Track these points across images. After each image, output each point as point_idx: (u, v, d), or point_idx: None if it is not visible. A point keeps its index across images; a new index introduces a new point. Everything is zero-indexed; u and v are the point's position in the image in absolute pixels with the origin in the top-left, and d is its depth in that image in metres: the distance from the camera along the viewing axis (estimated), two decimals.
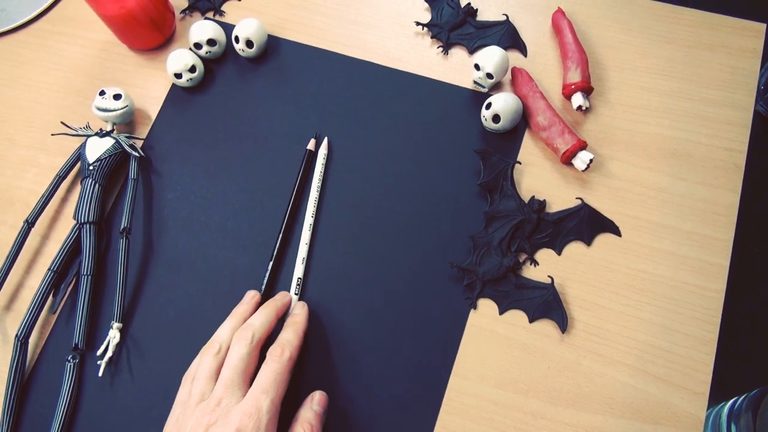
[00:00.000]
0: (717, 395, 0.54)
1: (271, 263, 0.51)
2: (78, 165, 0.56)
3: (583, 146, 0.51)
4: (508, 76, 0.57)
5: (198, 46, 0.57)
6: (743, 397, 0.52)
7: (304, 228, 0.52)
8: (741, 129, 0.54)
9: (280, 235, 0.52)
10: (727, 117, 0.54)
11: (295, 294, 0.50)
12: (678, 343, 0.48)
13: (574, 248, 0.51)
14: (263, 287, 0.51)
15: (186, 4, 0.62)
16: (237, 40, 0.57)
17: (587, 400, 0.47)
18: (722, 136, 0.53)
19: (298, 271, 0.51)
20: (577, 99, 0.53)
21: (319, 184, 0.54)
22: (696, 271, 0.50)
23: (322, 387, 0.48)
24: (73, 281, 0.53)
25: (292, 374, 0.44)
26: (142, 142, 0.57)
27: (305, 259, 0.52)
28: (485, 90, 0.56)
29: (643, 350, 0.48)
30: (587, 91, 0.53)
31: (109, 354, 0.49)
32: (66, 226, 0.55)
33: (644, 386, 0.47)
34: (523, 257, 0.51)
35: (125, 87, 0.59)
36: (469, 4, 0.58)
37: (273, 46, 0.60)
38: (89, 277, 0.51)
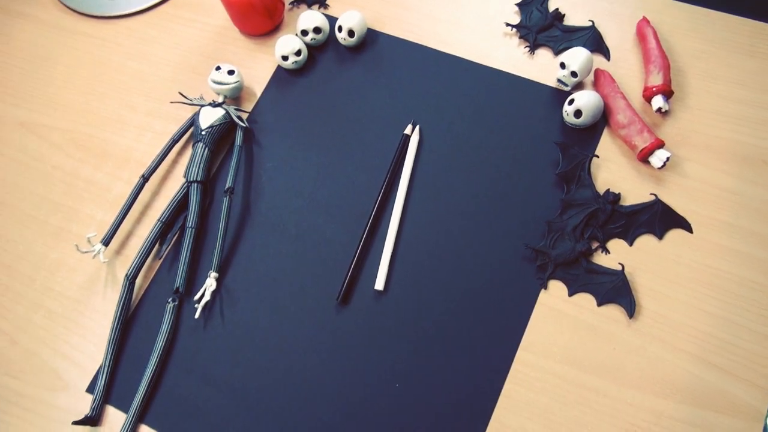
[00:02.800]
0: None
1: (366, 232, 0.56)
2: (190, 131, 0.62)
3: (660, 145, 0.54)
4: (591, 77, 0.60)
5: (305, 33, 0.63)
6: None
7: (395, 205, 0.57)
8: None
9: (375, 206, 0.56)
10: None
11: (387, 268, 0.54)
12: (742, 337, 0.50)
13: (646, 241, 0.54)
14: (355, 257, 0.55)
15: None
16: (340, 29, 0.62)
17: (649, 383, 0.49)
18: None
19: (389, 244, 0.55)
20: (658, 101, 0.56)
21: (411, 167, 0.58)
22: (763, 271, 0.51)
23: (405, 351, 0.52)
24: (178, 233, 0.58)
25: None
26: (247, 114, 0.63)
27: (396, 233, 0.56)
28: (568, 88, 0.59)
29: (706, 341, 0.50)
30: (667, 94, 0.56)
31: (205, 299, 0.54)
32: (175, 184, 0.61)
33: (706, 375, 0.49)
34: (595, 245, 0.54)
35: (228, 63, 0.65)
36: (557, 9, 0.62)
37: (372, 38, 0.65)
38: (193, 230, 0.57)
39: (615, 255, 0.53)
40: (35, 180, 0.63)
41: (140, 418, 0.52)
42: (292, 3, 0.67)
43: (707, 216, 0.54)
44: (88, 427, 0.52)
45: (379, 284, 0.54)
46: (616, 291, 0.52)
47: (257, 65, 0.65)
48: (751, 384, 0.48)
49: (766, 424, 0.55)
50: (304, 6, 0.67)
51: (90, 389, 0.54)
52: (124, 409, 0.53)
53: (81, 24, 0.70)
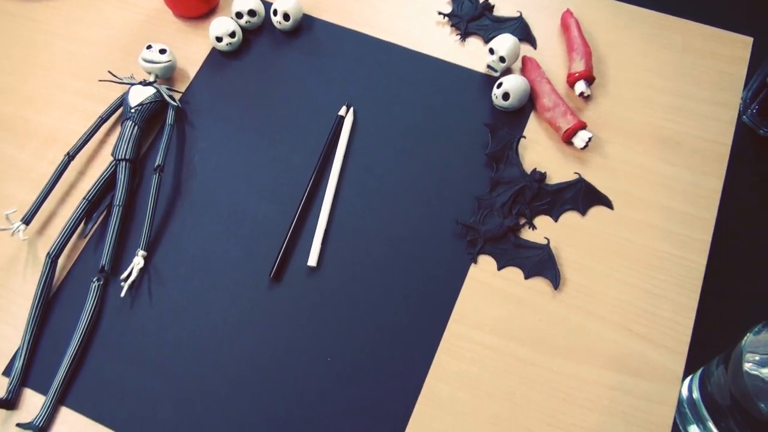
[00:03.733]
0: (697, 361, 0.58)
1: (299, 210, 0.56)
2: (119, 111, 0.61)
3: (582, 126, 0.57)
4: (518, 64, 0.62)
5: (239, 15, 0.63)
6: (717, 357, 0.56)
7: (329, 184, 0.57)
8: (726, 125, 0.59)
9: (309, 185, 0.57)
10: (715, 113, 0.60)
11: (320, 245, 0.54)
12: (660, 306, 0.52)
13: (570, 217, 0.56)
14: (288, 234, 0.55)
15: None
16: (275, 13, 0.63)
17: (574, 351, 0.51)
18: (709, 130, 0.59)
19: (322, 221, 0.55)
20: (580, 86, 0.59)
21: (345, 147, 0.58)
22: (680, 245, 0.54)
23: (338, 326, 0.51)
24: (105, 212, 0.57)
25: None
26: (180, 95, 0.62)
27: (329, 211, 0.56)
28: (497, 74, 0.61)
29: (627, 310, 0.52)
30: (589, 80, 0.59)
31: (132, 278, 0.53)
32: (103, 164, 0.59)
33: (627, 342, 0.51)
34: (522, 221, 0.55)
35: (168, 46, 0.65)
36: (487, 0, 0.64)
37: (307, 23, 0.65)
38: (120, 208, 0.56)
39: (541, 231, 0.55)
40: None
41: (60, 400, 0.50)
42: None
43: (626, 193, 0.56)
44: (3, 411, 0.49)
45: (312, 260, 0.54)
46: (542, 264, 0.53)
47: (191, 47, 0.65)
48: (669, 350, 0.50)
49: (681, 394, 0.58)
50: None
51: (6, 372, 0.51)
52: (43, 391, 0.50)
53: (6, 3, 0.68)
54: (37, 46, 0.66)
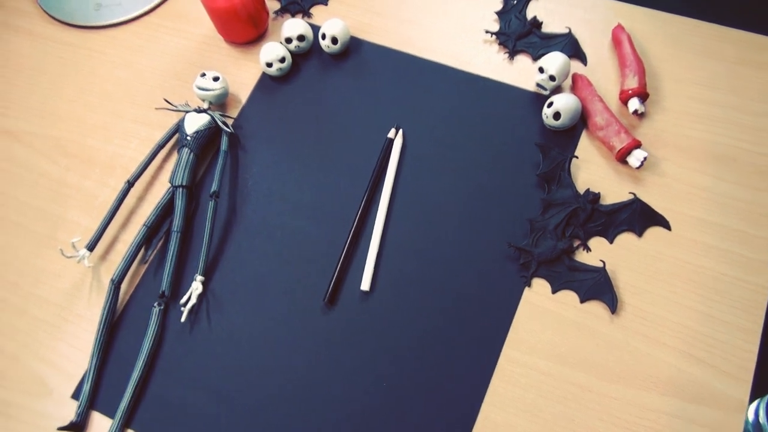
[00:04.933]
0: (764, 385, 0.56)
1: (351, 234, 0.56)
2: (175, 137, 0.63)
3: (637, 145, 0.56)
4: (569, 81, 0.62)
5: (288, 40, 0.64)
6: None
7: (380, 207, 0.57)
8: None
9: (360, 209, 0.57)
10: None
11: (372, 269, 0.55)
12: (720, 330, 0.51)
13: (626, 238, 0.55)
14: (341, 258, 0.56)
15: (279, 6, 0.69)
16: (324, 37, 0.63)
17: (633, 377, 0.50)
18: (763, 144, 0.57)
19: (374, 244, 0.56)
20: (634, 103, 0.58)
21: (395, 170, 0.59)
22: (738, 265, 0.53)
23: (392, 350, 0.52)
24: (164, 237, 0.58)
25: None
26: (232, 120, 0.63)
27: (381, 235, 0.56)
28: (547, 92, 0.61)
29: (687, 335, 0.51)
30: (643, 96, 0.58)
31: (192, 302, 0.54)
32: (161, 190, 0.61)
33: (688, 368, 0.50)
34: (576, 243, 0.55)
35: (213, 69, 0.66)
36: (535, 17, 0.64)
37: (354, 46, 0.66)
38: (178, 234, 0.57)
39: (596, 253, 0.55)
40: (22, 188, 0.63)
41: (127, 423, 0.52)
42: (276, 12, 0.69)
43: (683, 213, 0.55)
44: None
45: (365, 285, 0.55)
46: (598, 287, 0.53)
47: (242, 72, 0.66)
48: (731, 376, 0.49)
49: (747, 417, 0.56)
50: (288, 15, 0.69)
51: (75, 395, 0.53)
52: (110, 414, 0.52)
53: (67, 34, 0.71)
54: (96, 75, 0.68)
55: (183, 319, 0.54)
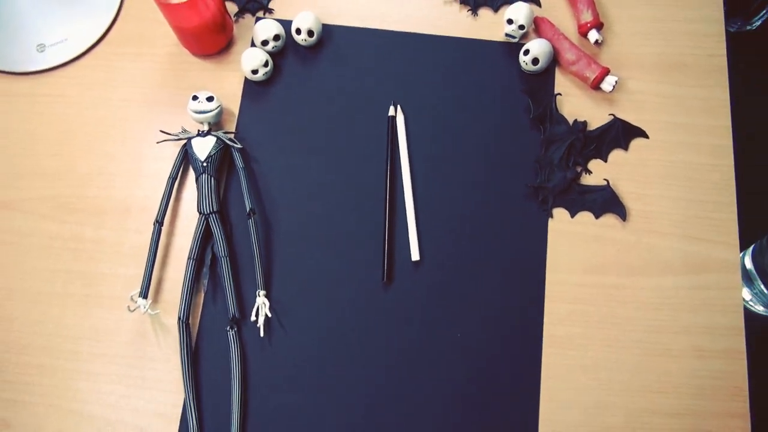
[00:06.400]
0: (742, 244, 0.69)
1: (386, 212, 0.61)
2: (182, 163, 0.63)
3: (607, 72, 0.63)
4: (531, 25, 0.67)
5: (265, 42, 0.64)
6: (764, 239, 0.67)
7: (404, 182, 0.62)
8: (717, 38, 0.67)
9: (387, 188, 0.62)
10: (704, 30, 0.68)
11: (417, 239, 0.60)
12: (708, 209, 0.62)
13: (616, 154, 0.64)
14: (386, 235, 0.60)
15: (237, 9, 0.68)
16: (299, 32, 0.65)
17: (650, 267, 0.60)
18: (704, 46, 0.67)
19: (411, 217, 0.61)
20: (593, 35, 0.65)
21: (406, 145, 0.63)
22: (706, 152, 0.63)
23: (454, 308, 0.59)
24: (210, 263, 0.60)
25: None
26: (233, 134, 0.64)
27: (413, 206, 0.61)
28: (515, 40, 0.66)
29: (683, 221, 0.62)
30: (599, 27, 0.65)
31: (262, 317, 0.57)
32: (185, 221, 0.62)
33: (690, 247, 0.61)
34: (579, 169, 0.63)
35: (201, 90, 0.66)
36: None
37: (326, 32, 0.68)
38: (226, 258, 0.59)
39: (596, 173, 0.63)
40: (36, 256, 0.61)
41: None
42: (236, 15, 0.68)
43: (656, 121, 0.65)
44: None
45: (415, 255, 0.60)
46: (607, 202, 0.62)
47: (224, 84, 0.66)
48: (723, 243, 0.61)
49: (743, 261, 0.69)
50: (248, 15, 0.68)
51: None
52: None
53: (14, 84, 0.66)
54: (69, 121, 0.65)
55: (262, 334, 0.58)
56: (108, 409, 0.57)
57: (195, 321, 0.59)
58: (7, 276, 0.60)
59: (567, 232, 0.61)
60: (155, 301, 0.60)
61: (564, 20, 0.68)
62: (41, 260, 0.61)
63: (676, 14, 0.68)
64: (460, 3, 0.68)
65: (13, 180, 0.63)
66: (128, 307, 0.55)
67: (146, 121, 0.65)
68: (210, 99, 0.62)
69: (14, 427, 0.56)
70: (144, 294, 0.58)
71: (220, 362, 0.58)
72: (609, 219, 0.62)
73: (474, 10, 0.68)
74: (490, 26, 0.68)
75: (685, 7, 0.69)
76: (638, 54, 0.67)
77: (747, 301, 0.67)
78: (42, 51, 0.66)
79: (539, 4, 0.69)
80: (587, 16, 0.65)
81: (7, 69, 0.66)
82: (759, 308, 0.66)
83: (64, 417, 0.57)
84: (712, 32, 0.68)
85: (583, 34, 0.66)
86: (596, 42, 0.65)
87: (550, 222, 0.62)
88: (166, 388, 0.57)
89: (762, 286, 0.65)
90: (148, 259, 0.59)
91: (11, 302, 0.60)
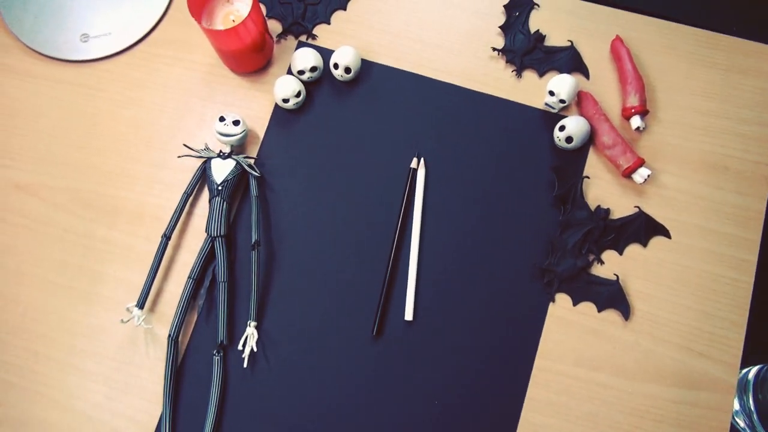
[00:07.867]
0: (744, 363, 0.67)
1: (389, 267, 0.61)
2: (199, 181, 0.63)
3: (642, 163, 0.61)
4: (573, 99, 0.65)
5: (301, 72, 0.64)
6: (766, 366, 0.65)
7: (412, 238, 0.62)
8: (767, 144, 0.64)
9: (394, 242, 0.61)
10: (757, 134, 0.64)
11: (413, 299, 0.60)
12: (716, 325, 0.60)
13: (633, 249, 0.62)
14: (383, 290, 0.60)
15: (281, 29, 0.68)
16: (336, 66, 0.64)
17: (644, 372, 0.59)
18: (752, 151, 0.64)
19: (411, 277, 0.61)
20: (636, 121, 0.62)
21: (422, 201, 0.62)
22: (732, 267, 0.61)
23: (439, 371, 0.59)
24: (209, 286, 0.61)
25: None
26: (254, 159, 0.64)
27: (417, 265, 0.61)
28: (555, 111, 0.64)
29: (687, 332, 0.60)
30: (643, 113, 0.63)
31: (249, 348, 0.59)
32: (193, 235, 0.63)
33: (688, 360, 0.59)
34: (591, 257, 0.61)
35: (232, 108, 0.66)
36: (538, 30, 0.66)
37: (365, 68, 0.67)
38: (225, 284, 0.60)
39: (608, 264, 0.62)
40: (50, 245, 0.63)
41: None
42: (279, 36, 0.67)
43: (682, 221, 0.62)
44: None
45: (408, 315, 0.60)
46: (613, 298, 0.60)
47: (254, 104, 0.66)
48: (724, 363, 0.59)
49: (747, 374, 0.66)
50: (291, 37, 0.67)
51: None
52: None
53: (55, 70, 0.68)
54: (101, 116, 0.66)
55: (245, 365, 0.59)
56: (90, 406, 0.59)
57: (185, 339, 0.61)
58: (20, 259, 0.63)
59: (566, 320, 0.60)
60: (152, 310, 0.62)
61: (610, 97, 0.66)
62: (55, 250, 0.63)
63: (729, 111, 0.65)
64: (506, 62, 0.66)
65: (37, 164, 0.65)
66: (122, 319, 0.57)
67: (173, 128, 0.66)
68: (236, 123, 0.62)
69: (1, 405, 0.59)
70: (141, 304, 0.59)
71: (201, 384, 0.60)
72: (611, 315, 0.60)
73: (519, 72, 0.66)
74: (532, 90, 0.66)
75: (743, 105, 0.65)
76: (679, 146, 0.64)
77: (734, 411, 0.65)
78: (86, 41, 0.67)
79: (587, 76, 0.66)
80: (634, 101, 0.63)
81: (49, 54, 0.67)
82: (739, 422, 0.64)
83: (48, 405, 0.59)
84: (764, 137, 0.64)
85: (627, 118, 0.64)
86: (637, 129, 0.63)
87: (551, 306, 0.61)
88: (147, 398, 0.59)
89: (751, 402, 0.63)
90: (150, 271, 0.60)
91: (20, 287, 0.62)
